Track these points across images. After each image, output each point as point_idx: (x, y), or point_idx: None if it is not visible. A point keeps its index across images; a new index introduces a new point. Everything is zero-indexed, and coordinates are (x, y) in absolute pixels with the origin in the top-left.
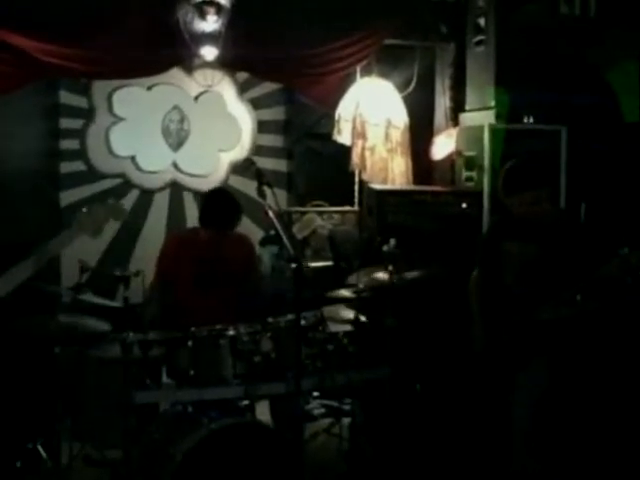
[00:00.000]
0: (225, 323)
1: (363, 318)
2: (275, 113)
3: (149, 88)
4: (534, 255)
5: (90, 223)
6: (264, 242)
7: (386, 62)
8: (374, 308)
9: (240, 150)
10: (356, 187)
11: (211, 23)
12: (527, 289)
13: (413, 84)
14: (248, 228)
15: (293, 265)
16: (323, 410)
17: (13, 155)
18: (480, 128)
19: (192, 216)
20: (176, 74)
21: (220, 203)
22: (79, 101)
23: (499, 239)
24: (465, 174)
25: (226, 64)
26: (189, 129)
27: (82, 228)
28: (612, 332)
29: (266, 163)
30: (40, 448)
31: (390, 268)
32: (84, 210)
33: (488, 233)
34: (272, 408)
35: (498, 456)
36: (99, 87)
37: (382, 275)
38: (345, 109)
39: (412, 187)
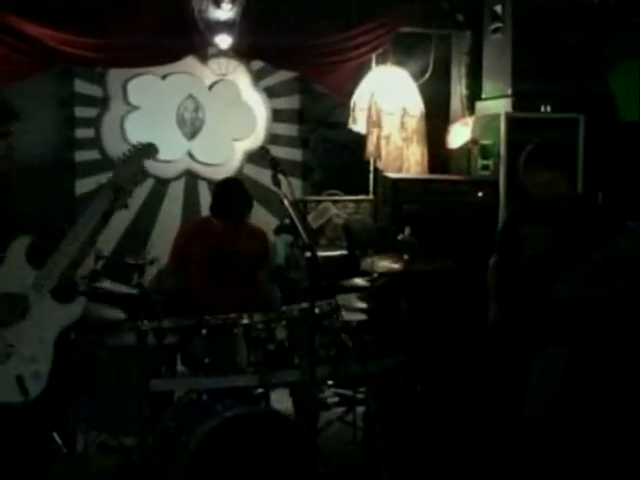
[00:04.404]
0: (237, 311)
1: (375, 307)
2: (290, 102)
3: (164, 77)
4: (551, 238)
5: (129, 169)
6: (278, 231)
7: (402, 50)
8: (388, 296)
9: (255, 139)
10: (371, 176)
11: (226, 11)
12: (543, 271)
13: (429, 72)
14: (263, 217)
15: (307, 254)
16: (337, 399)
17: (28, 144)
18: (496, 116)
19: (207, 205)
20: (191, 63)
21: (230, 194)
22: (94, 90)
23: (517, 223)
24: (481, 163)
25: (241, 52)
26: (204, 118)
27: (122, 176)
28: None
29: (281, 152)
30: (55, 435)
31: (405, 257)
32: (119, 159)
33: (507, 218)
34: (293, 397)
35: (508, 448)
36: (114, 76)
37: (395, 263)
38: (360, 98)
39: (427, 176)
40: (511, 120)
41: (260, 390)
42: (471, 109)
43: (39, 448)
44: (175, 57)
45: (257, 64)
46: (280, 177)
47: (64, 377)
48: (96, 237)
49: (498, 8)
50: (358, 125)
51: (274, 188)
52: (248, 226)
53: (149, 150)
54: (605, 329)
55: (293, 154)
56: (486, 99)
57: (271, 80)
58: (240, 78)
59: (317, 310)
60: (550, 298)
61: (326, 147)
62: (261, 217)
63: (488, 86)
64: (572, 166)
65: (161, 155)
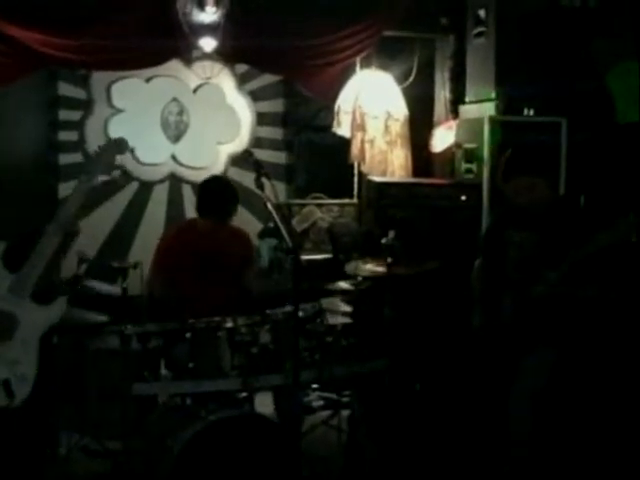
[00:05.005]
0: (223, 315)
1: (360, 310)
2: (274, 105)
3: (148, 80)
4: (535, 243)
5: (102, 164)
6: (263, 234)
7: (386, 54)
8: (372, 300)
9: (239, 142)
10: (355, 179)
11: (210, 14)
12: (526, 275)
13: (413, 76)
14: (247, 220)
15: (291, 257)
16: (322, 402)
17: (12, 146)
18: (480, 120)
19: (191, 208)
20: (175, 66)
21: (215, 191)
22: (78, 93)
23: (503, 229)
24: (465, 166)
25: (225, 55)
26: (188, 121)
27: (96, 172)
28: (623, 320)
29: (265, 155)
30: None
31: (389, 260)
32: (93, 154)
33: (492, 223)
34: (275, 400)
35: (495, 449)
36: (98, 79)
37: (379, 266)
38: (345, 101)
39: (411, 179)
40: (495, 124)
41: (244, 394)
42: (455, 113)
43: (28, 451)
44: (159, 60)
45: (242, 67)
46: (264, 180)
47: (48, 380)
48: (72, 238)
49: (482, 12)
50: (342, 129)
51: (258, 191)
52: (231, 228)
53: (120, 145)
54: (589, 330)
55: (277, 157)
56: (470, 103)
57: (255, 83)
58: (224, 81)
59: (301, 313)
60: (529, 297)
61: (310, 150)
62: (245, 221)
63: (472, 90)
64: (552, 170)
65: (145, 158)
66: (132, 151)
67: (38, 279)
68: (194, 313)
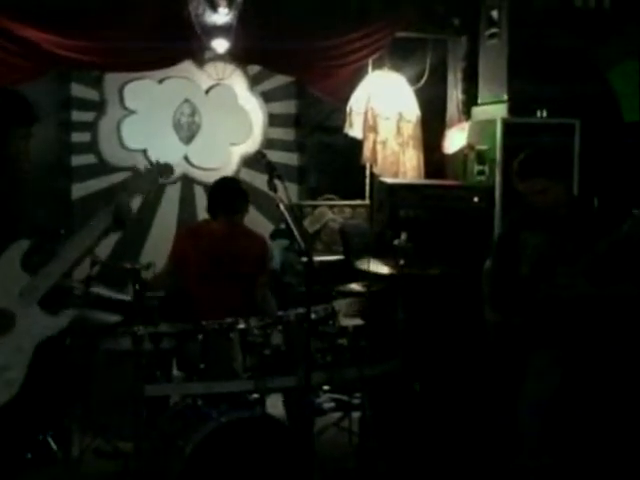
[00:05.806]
0: (234, 316)
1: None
2: (286, 106)
3: (160, 81)
4: (550, 245)
5: (142, 185)
6: (274, 235)
7: (398, 55)
8: (384, 302)
9: (251, 143)
10: (367, 181)
11: (222, 15)
12: (542, 278)
13: (425, 77)
14: (259, 221)
15: (304, 259)
16: (333, 404)
17: None
18: (492, 122)
19: (203, 209)
20: (187, 67)
21: (222, 187)
22: (91, 94)
23: (517, 231)
24: (477, 168)
25: (237, 57)
26: (200, 122)
27: (135, 191)
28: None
29: (277, 156)
30: (50, 440)
31: (401, 262)
32: (136, 173)
33: (508, 224)
34: (285, 402)
35: (504, 453)
36: (110, 80)
37: (391, 268)
38: (357, 102)
39: (423, 181)
40: (507, 125)
41: (256, 395)
42: (467, 114)
43: (11, 455)
44: (172, 61)
45: (254, 68)
46: (276, 182)
47: (59, 381)
48: (93, 249)
49: (494, 13)
50: (354, 130)
51: (270, 193)
52: (247, 230)
53: (164, 170)
54: (604, 330)
55: (289, 159)
56: (482, 104)
57: (267, 85)
58: (237, 82)
59: (313, 315)
60: (546, 293)
61: (322, 152)
62: (257, 221)
63: (484, 91)
64: (567, 172)
65: (157, 159)
66: (144, 152)
67: (52, 286)
68: (205, 313)
